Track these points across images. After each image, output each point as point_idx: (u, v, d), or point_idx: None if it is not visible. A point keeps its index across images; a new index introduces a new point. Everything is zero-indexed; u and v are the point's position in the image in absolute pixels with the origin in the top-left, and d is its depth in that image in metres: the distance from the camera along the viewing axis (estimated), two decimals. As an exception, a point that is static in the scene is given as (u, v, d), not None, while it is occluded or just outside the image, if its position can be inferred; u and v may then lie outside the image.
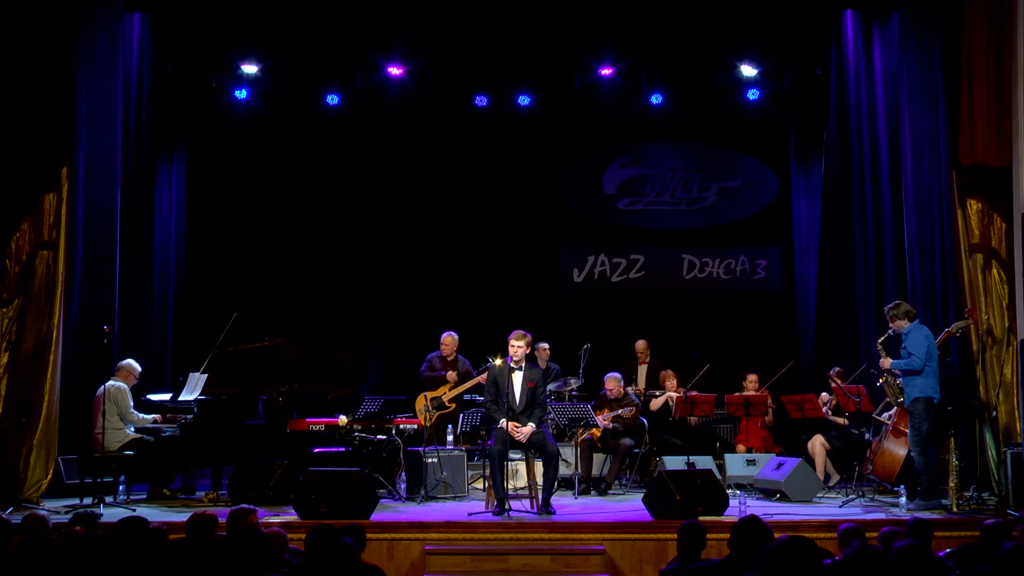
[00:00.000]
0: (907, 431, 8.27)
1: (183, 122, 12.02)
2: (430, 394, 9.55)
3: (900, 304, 8.33)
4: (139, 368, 9.09)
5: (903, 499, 7.86)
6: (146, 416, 8.99)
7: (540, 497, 7.78)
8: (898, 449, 8.47)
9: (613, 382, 9.76)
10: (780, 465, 8.80)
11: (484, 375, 9.08)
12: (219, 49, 11.39)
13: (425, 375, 9.97)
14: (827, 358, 10.84)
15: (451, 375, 9.70)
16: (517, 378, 7.95)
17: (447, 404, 9.49)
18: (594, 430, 9.34)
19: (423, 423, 9.21)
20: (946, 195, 9.14)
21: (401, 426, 9.27)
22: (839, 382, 9.46)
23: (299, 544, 5.06)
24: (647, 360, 10.97)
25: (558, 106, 12.40)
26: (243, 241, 12.37)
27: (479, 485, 9.21)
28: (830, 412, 9.63)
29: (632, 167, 13.08)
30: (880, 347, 8.35)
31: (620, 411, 9.54)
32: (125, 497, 8.54)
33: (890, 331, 8.30)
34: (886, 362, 8.24)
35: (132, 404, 8.86)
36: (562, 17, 11.01)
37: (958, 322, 8.54)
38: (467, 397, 9.95)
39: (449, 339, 10.00)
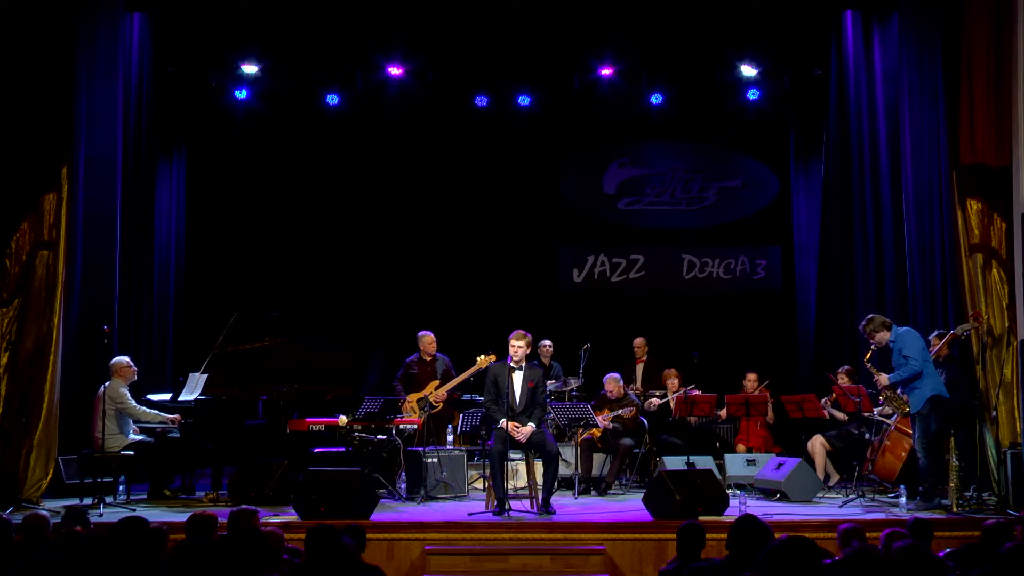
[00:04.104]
0: (909, 431, 8.25)
1: (183, 122, 12.02)
2: (416, 395, 9.54)
3: (873, 318, 8.14)
4: (128, 360, 8.90)
5: (903, 499, 7.86)
6: (160, 413, 8.86)
7: (540, 497, 7.77)
8: (899, 449, 8.46)
9: (613, 383, 9.76)
10: (780, 465, 8.79)
11: (468, 371, 9.12)
12: (219, 49, 11.40)
13: (399, 380, 9.96)
14: (827, 358, 10.85)
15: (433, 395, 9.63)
16: (517, 378, 7.94)
17: (434, 404, 9.47)
18: (594, 430, 9.34)
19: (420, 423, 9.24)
20: (946, 195, 9.13)
21: (401, 426, 9.26)
22: (846, 380, 9.45)
23: (299, 544, 5.06)
24: (644, 359, 10.98)
25: (558, 106, 12.41)
26: (243, 241, 12.37)
27: (479, 485, 9.21)
28: (829, 404, 9.61)
29: (632, 167, 13.08)
30: (869, 365, 8.13)
31: (620, 411, 9.55)
32: (125, 497, 8.55)
33: (872, 347, 8.12)
34: (883, 379, 7.99)
35: (133, 400, 8.75)
36: (562, 17, 11.02)
37: (962, 325, 8.47)
38: (467, 397, 9.96)
39: (428, 338, 9.96)
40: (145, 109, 10.43)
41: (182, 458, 9.05)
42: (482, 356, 8.86)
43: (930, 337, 8.43)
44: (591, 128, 12.77)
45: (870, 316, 8.25)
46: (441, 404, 9.54)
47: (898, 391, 8.09)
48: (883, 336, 8.04)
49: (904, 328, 8.19)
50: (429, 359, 9.95)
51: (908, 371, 7.90)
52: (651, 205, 13.02)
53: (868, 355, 8.17)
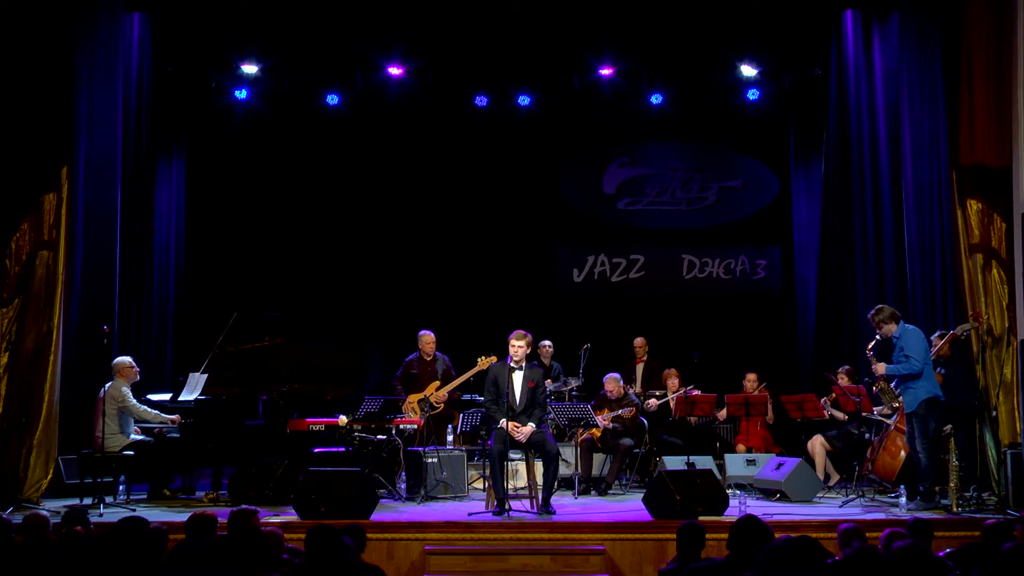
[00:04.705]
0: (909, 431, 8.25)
1: (183, 122, 12.03)
2: (417, 395, 9.54)
3: (882, 308, 8.18)
4: (130, 360, 8.91)
5: (903, 499, 7.86)
6: (161, 414, 8.84)
7: (540, 497, 7.77)
8: (899, 449, 8.46)
9: (613, 383, 9.76)
10: (780, 465, 8.80)
11: (468, 372, 9.12)
12: (219, 49, 11.40)
13: (399, 379, 9.95)
14: (827, 358, 10.84)
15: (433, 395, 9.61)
16: (517, 378, 7.94)
17: (435, 404, 9.47)
18: (594, 430, 9.35)
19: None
20: (946, 195, 9.13)
21: (401, 426, 9.26)
22: (846, 380, 9.45)
23: (299, 544, 5.05)
24: (644, 359, 10.97)
25: (558, 106, 12.41)
26: (243, 241, 12.38)
27: (479, 485, 9.21)
28: (828, 404, 9.61)
29: (632, 167, 13.08)
30: (870, 354, 8.19)
31: (620, 411, 9.55)
32: (125, 497, 8.54)
33: (877, 337, 8.18)
34: (880, 367, 8.06)
35: (134, 399, 8.74)
36: (562, 17, 11.02)
37: (962, 325, 8.48)
38: (466, 397, 9.96)
39: (428, 337, 9.96)
40: (145, 109, 10.43)
41: (182, 458, 9.06)
42: (482, 357, 8.85)
43: (931, 337, 8.42)
44: (591, 128, 12.77)
45: (880, 306, 8.26)
46: (442, 405, 9.54)
47: (892, 384, 8.13)
48: (890, 328, 8.07)
49: (911, 326, 8.20)
50: (429, 359, 9.95)
51: (907, 368, 7.91)
52: (651, 205, 13.02)
53: (871, 344, 8.22)
